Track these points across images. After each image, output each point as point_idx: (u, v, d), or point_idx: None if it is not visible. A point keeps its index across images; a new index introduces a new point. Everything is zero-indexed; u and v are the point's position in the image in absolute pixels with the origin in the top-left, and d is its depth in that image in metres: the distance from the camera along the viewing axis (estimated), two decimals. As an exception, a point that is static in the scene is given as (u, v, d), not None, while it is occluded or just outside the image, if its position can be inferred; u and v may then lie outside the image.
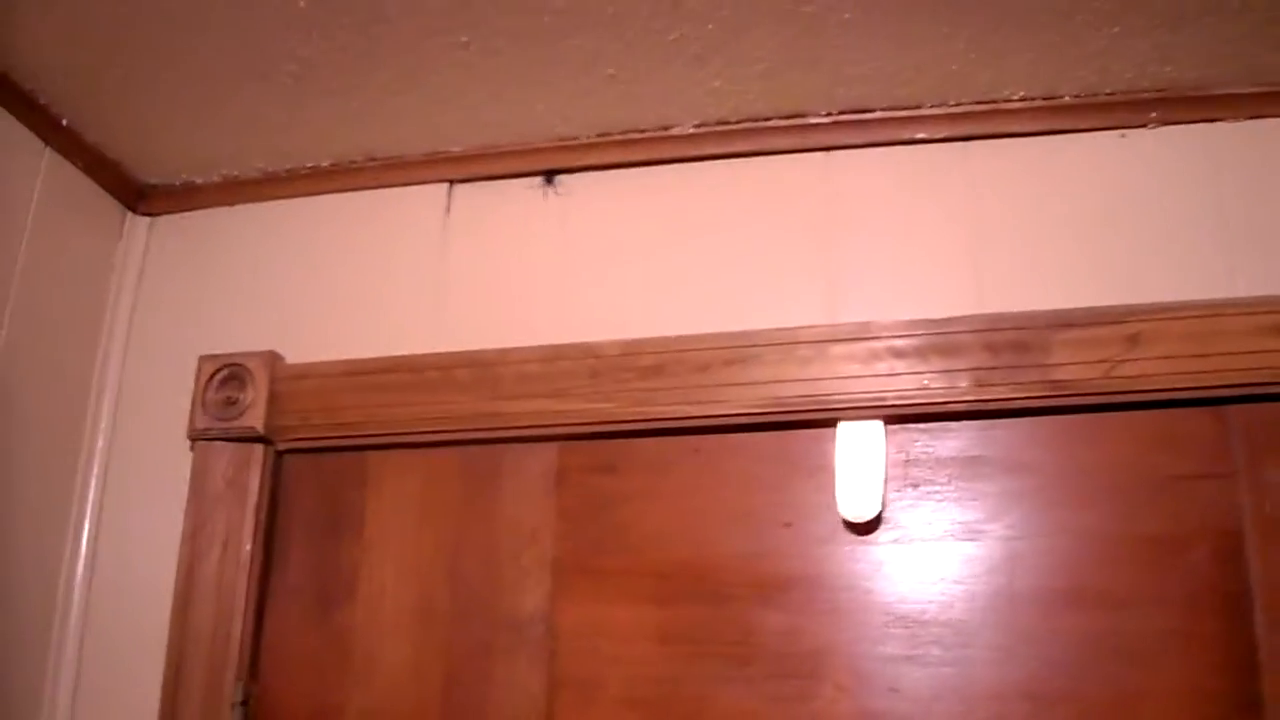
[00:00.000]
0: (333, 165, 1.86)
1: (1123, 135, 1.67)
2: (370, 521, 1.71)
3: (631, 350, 1.64)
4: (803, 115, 1.72)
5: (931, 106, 1.69)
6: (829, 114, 1.71)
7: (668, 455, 1.65)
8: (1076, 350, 1.53)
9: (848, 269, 1.68)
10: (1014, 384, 1.53)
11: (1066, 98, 1.66)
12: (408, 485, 1.72)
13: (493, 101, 1.71)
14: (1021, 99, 1.67)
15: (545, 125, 1.76)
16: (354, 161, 1.85)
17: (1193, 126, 1.65)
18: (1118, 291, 1.58)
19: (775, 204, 1.72)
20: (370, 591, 1.68)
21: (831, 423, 1.59)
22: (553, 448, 1.68)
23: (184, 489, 1.73)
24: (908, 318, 1.58)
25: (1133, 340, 1.51)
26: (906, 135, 1.70)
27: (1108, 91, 1.65)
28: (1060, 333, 1.53)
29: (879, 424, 1.58)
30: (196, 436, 1.75)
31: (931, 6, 1.50)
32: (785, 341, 1.60)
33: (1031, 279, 1.62)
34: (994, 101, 1.68)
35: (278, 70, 1.64)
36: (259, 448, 1.74)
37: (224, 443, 1.74)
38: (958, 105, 1.68)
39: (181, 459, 1.75)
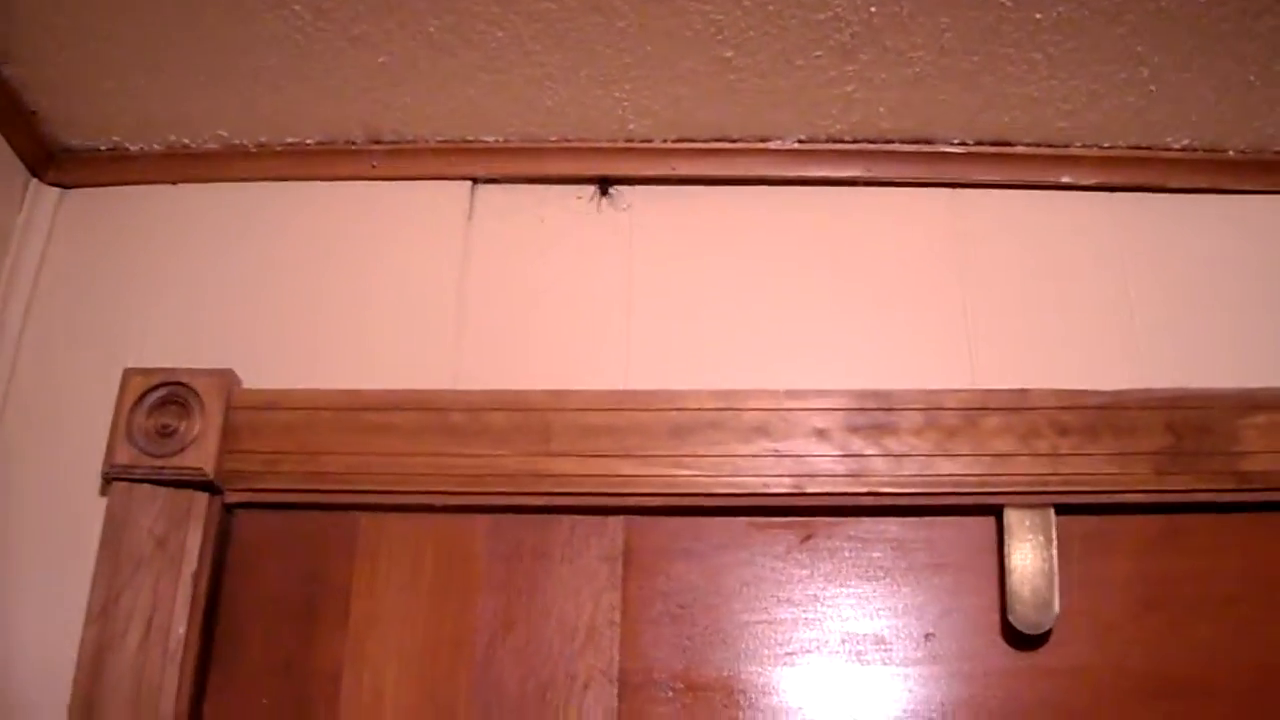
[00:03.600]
0: (322, 144, 1.55)
1: (1288, 199, 1.57)
2: (360, 605, 1.37)
3: (729, 403, 1.38)
4: (931, 141, 1.52)
5: (1082, 146, 1.52)
6: (962, 143, 1.52)
7: (771, 539, 1.39)
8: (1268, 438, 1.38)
9: (988, 326, 1.47)
10: (1198, 473, 1.37)
11: (1231, 152, 1.52)
12: (415, 560, 1.39)
13: (543, 80, 1.44)
14: (1184, 148, 1.52)
15: (608, 119, 1.50)
16: (351, 141, 1.55)
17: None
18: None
19: (894, 242, 1.52)
20: (359, 702, 1.34)
21: (993, 509, 1.37)
22: (619, 522, 1.39)
23: (93, 546, 1.37)
24: (1058, 386, 1.41)
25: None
26: (1050, 178, 1.52)
27: (1276, 150, 1.52)
28: (1249, 415, 1.38)
29: (1050, 512, 1.37)
30: (116, 475, 1.39)
31: (1135, 24, 1.33)
32: (927, 406, 1.38)
33: (1196, 351, 1.46)
34: (1151, 149, 1.52)
35: (267, 9, 1.34)
36: (203, 497, 1.39)
37: (154, 486, 1.39)
38: (1112, 148, 1.52)
39: (91, 505, 1.40)
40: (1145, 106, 1.46)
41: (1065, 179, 1.53)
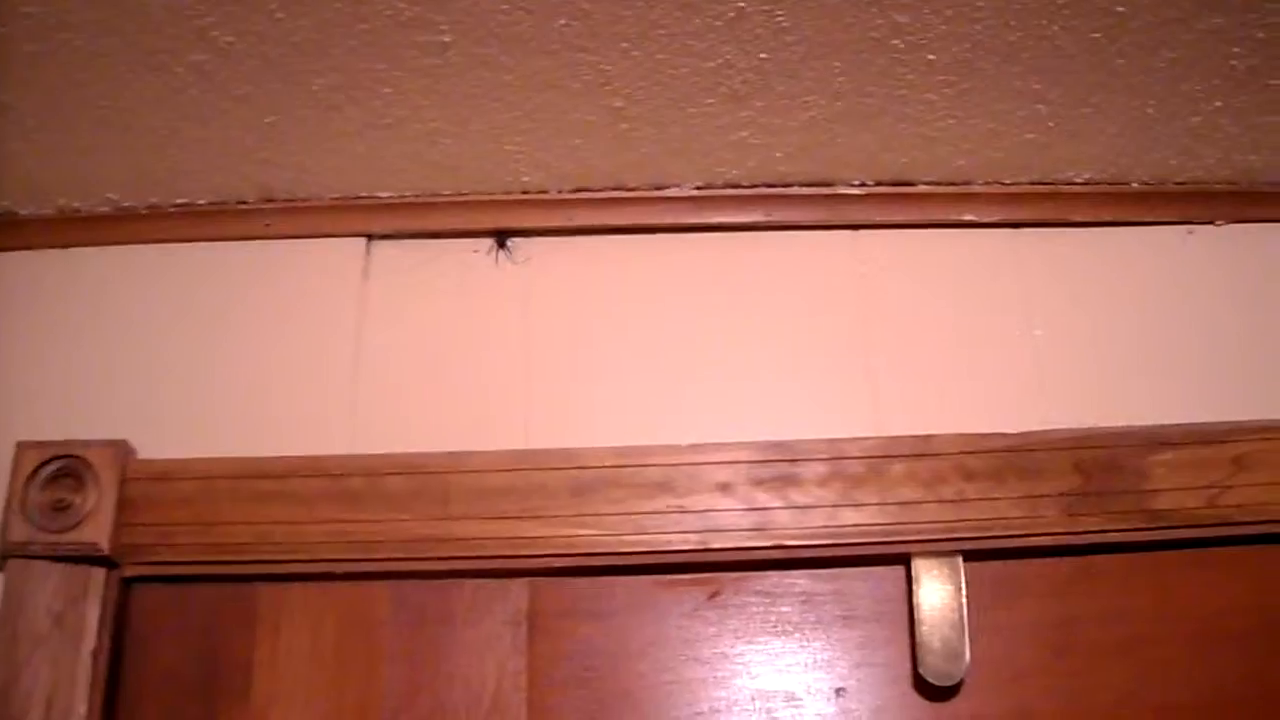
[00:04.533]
0: (214, 204, 1.51)
1: (1190, 231, 1.53)
2: (261, 679, 1.34)
3: (629, 460, 1.35)
4: (830, 184, 1.49)
5: (983, 184, 1.50)
6: (862, 184, 1.49)
7: (677, 598, 1.37)
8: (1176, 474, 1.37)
9: (891, 371, 1.45)
10: (1108, 513, 1.36)
11: (1134, 184, 1.51)
12: (316, 630, 1.35)
13: (433, 135, 1.40)
14: (1086, 182, 1.50)
15: (503, 171, 1.47)
16: (243, 201, 1.51)
17: (1268, 225, 1.54)
18: (1209, 406, 1.44)
19: (795, 287, 1.50)
20: (264, 779, 1.33)
21: (901, 559, 1.35)
22: (523, 584, 1.36)
23: (-12, 625, 1.34)
24: (969, 430, 1.39)
25: (1237, 463, 1.37)
26: (952, 216, 1.50)
27: (1178, 181, 1.51)
28: (1157, 453, 1.37)
29: (958, 560, 1.35)
30: (11, 552, 1.34)
31: (1031, 63, 1.31)
32: (830, 456, 1.35)
33: (1103, 388, 1.45)
34: (1054, 184, 1.51)
35: (148, 71, 1.30)
36: (99, 572, 1.34)
37: (50, 562, 1.34)
38: (1013, 185, 1.50)
39: (-15, 583, 1.37)
40: (1046, 143, 1.44)
41: (968, 216, 1.51)
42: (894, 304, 1.49)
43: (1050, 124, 1.41)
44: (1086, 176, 1.50)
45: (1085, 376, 1.46)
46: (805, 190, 1.50)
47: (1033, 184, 1.51)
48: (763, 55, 1.29)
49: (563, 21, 1.24)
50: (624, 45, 1.27)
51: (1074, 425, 1.39)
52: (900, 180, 1.50)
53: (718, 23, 1.25)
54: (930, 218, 1.51)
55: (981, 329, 1.48)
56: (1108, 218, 1.52)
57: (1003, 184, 1.50)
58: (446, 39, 1.26)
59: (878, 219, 1.51)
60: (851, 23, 1.25)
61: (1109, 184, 1.51)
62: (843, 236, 1.51)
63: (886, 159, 1.46)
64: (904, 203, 1.50)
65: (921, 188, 1.50)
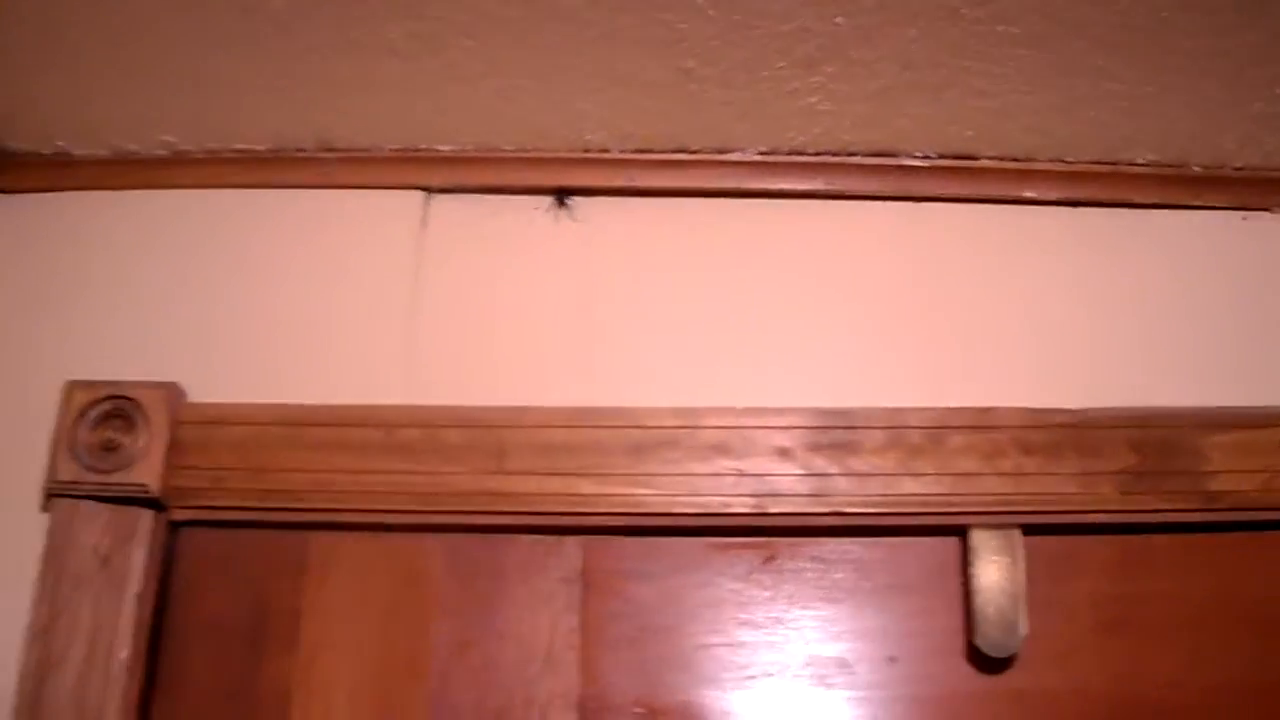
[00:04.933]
0: (273, 151, 1.49)
1: (1244, 217, 1.52)
2: (310, 628, 1.33)
3: (687, 421, 1.35)
4: (894, 155, 1.48)
5: (1046, 161, 1.49)
6: (925, 156, 1.48)
7: (732, 561, 1.36)
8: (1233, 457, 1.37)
9: (950, 343, 1.44)
10: (1164, 493, 1.35)
11: (1195, 168, 1.50)
12: (368, 580, 1.34)
13: (506, 90, 1.39)
14: (1146, 164, 1.49)
15: (567, 129, 1.46)
16: (302, 149, 1.49)
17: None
18: (1265, 390, 1.43)
19: (856, 257, 1.49)
20: (309, 726, 1.33)
21: (957, 530, 1.35)
22: (577, 543, 1.35)
23: (33, 565, 1.31)
24: (1022, 405, 1.39)
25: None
26: (1013, 192, 1.49)
27: (1236, 166, 1.50)
28: (1214, 434, 1.37)
29: (1016, 533, 1.34)
30: (58, 491, 1.33)
31: (1102, 39, 1.30)
32: (890, 425, 1.35)
33: (1160, 368, 1.44)
34: (1115, 164, 1.50)
35: (222, 12, 1.28)
36: (148, 514, 1.34)
37: (97, 503, 1.33)
38: (1075, 163, 1.49)
39: (30, 522, 1.34)
40: (1109, 121, 1.43)
41: (1028, 193, 1.50)
42: (954, 277, 1.48)
43: (1115, 102, 1.40)
44: (1147, 158, 1.49)
45: (1142, 356, 1.45)
46: (868, 160, 1.49)
47: (1093, 163, 1.50)
48: (839, 20, 1.29)
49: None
50: (702, 4, 1.27)
51: (1131, 404, 1.39)
52: (963, 154, 1.49)
53: (796, -24, 1.26)
54: (991, 193, 1.50)
55: (1040, 305, 1.47)
56: (1166, 200, 1.51)
57: (1064, 162, 1.50)
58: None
59: (939, 192, 1.50)
60: (927, -11, 1.26)
61: (1168, 166, 1.50)
62: (904, 208, 1.50)
63: (951, 132, 1.45)
64: (966, 177, 1.49)
65: (984, 162, 1.49)
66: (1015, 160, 1.50)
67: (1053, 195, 1.51)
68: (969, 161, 1.49)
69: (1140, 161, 1.50)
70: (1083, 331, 1.46)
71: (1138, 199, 1.51)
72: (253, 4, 1.28)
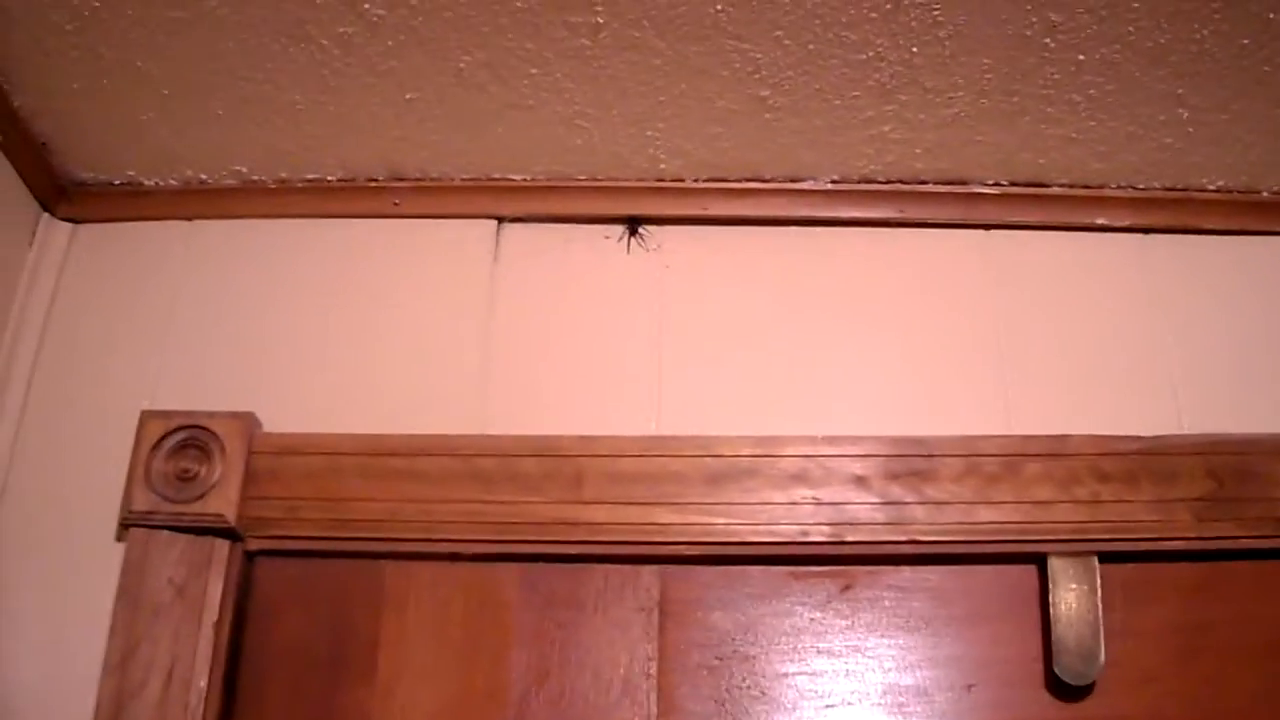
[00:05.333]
0: (343, 180, 1.50)
1: (1314, 244, 1.54)
2: (388, 657, 1.32)
3: (766, 450, 1.34)
4: (965, 183, 1.48)
5: (1117, 187, 1.49)
6: (996, 184, 1.48)
7: (809, 590, 1.35)
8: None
9: (1023, 370, 1.43)
10: (1240, 520, 1.34)
11: (1265, 193, 1.49)
12: (444, 611, 1.33)
13: (574, 119, 1.40)
14: (1218, 190, 1.49)
15: (639, 157, 1.46)
16: (373, 179, 1.50)
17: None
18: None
19: (927, 284, 1.48)
20: (390, 756, 1.32)
21: (1035, 557, 1.34)
22: (654, 572, 1.34)
23: (110, 595, 1.31)
24: (1102, 433, 1.37)
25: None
26: (1085, 219, 1.49)
27: (1307, 192, 1.52)
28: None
29: (1094, 560, 1.33)
30: (134, 521, 1.33)
31: (1177, 66, 1.30)
32: (966, 453, 1.34)
33: (1234, 394, 1.43)
34: (1186, 190, 1.49)
35: (292, 43, 1.30)
36: (224, 544, 1.33)
37: (174, 533, 1.33)
38: (1146, 190, 1.49)
39: (108, 552, 1.34)
40: (1182, 148, 1.43)
41: (1100, 220, 1.49)
42: (1026, 304, 1.47)
43: (1189, 129, 1.40)
44: (1219, 184, 1.49)
45: (1216, 382, 1.44)
46: (939, 188, 1.49)
47: (1165, 189, 1.50)
48: (914, 49, 1.29)
49: (719, 7, 1.25)
50: (778, 34, 1.28)
51: (1206, 431, 1.38)
52: (1034, 181, 1.49)
53: (874, 14, 1.25)
54: (1062, 219, 1.50)
55: (1112, 332, 1.46)
56: (1237, 226, 1.51)
57: (1135, 188, 1.49)
58: (600, 19, 1.26)
59: (1010, 219, 1.50)
60: (1006, 19, 1.26)
61: (1240, 192, 1.50)
62: (975, 235, 1.50)
63: (1023, 159, 1.45)
64: (1037, 204, 1.49)
65: (1055, 189, 1.49)
66: (1086, 187, 1.50)
67: (1124, 222, 1.50)
68: (1040, 189, 1.49)
69: (1211, 188, 1.49)
70: (1156, 358, 1.45)
71: (1208, 225, 1.50)
72: (320, 33, 1.28)
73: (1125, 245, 1.50)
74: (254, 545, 1.35)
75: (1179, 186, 1.50)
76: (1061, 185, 1.49)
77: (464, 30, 1.28)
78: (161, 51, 1.33)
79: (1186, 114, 1.38)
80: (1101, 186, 1.49)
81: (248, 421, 1.37)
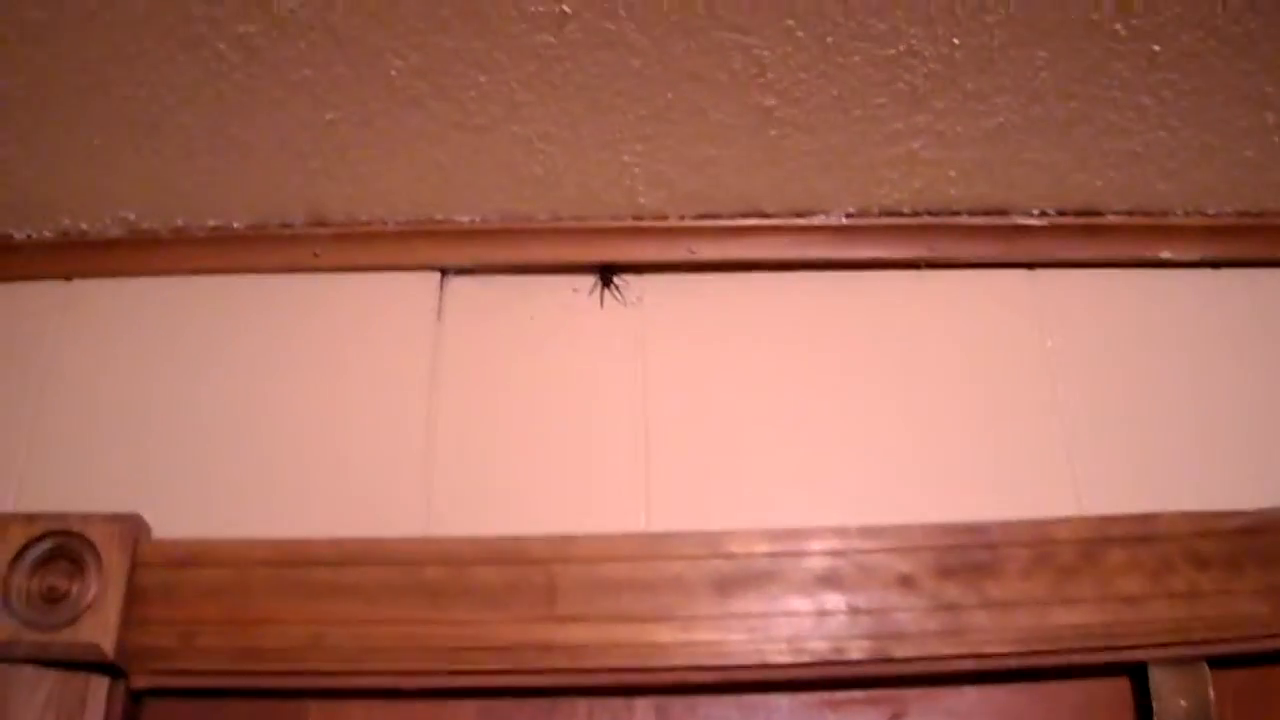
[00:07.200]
0: (252, 227, 1.22)
1: None
2: (312, 826, 1.03)
3: (787, 546, 1.05)
4: (1005, 212, 1.21)
5: (1185, 215, 1.23)
6: (1043, 213, 1.21)
7: (851, 719, 1.10)
8: None
9: (1091, 437, 1.16)
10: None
11: (1358, 221, 1.26)
12: (383, 764, 1.05)
13: (533, 140, 1.12)
14: (1301, 215, 1.24)
15: (614, 189, 1.18)
16: (288, 224, 1.22)
17: None
18: None
19: (971, 336, 1.21)
20: None
21: (1128, 667, 1.06)
22: (649, 705, 1.05)
23: (-42, 749, 1.02)
24: (1185, 509, 1.10)
25: None
26: (1147, 253, 1.23)
27: None
28: None
29: (1204, 667, 1.05)
30: (-9, 654, 1.06)
31: (1270, 59, 1.04)
32: (1033, 541, 1.06)
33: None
34: (1263, 215, 1.23)
35: (191, 46, 1.01)
36: (102, 682, 1.06)
37: (39, 668, 1.06)
38: (1218, 216, 1.23)
39: (-45, 695, 1.04)
40: (1262, 162, 1.16)
41: (1165, 254, 1.22)
42: (1084, 356, 1.21)
43: (1275, 139, 1.13)
44: (1298, 209, 1.24)
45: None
46: (977, 220, 1.21)
47: (1240, 215, 1.23)
48: (955, 40, 1.01)
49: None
50: (789, 23, 0.99)
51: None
52: (1088, 209, 1.21)
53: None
54: (1121, 254, 1.22)
55: (1193, 386, 1.20)
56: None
57: (1205, 215, 1.22)
58: (566, 8, 0.98)
59: (1060, 255, 1.22)
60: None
61: (1327, 218, 1.25)
62: (1018, 276, 1.22)
63: (1075, 182, 1.18)
64: (1091, 236, 1.21)
65: (1111, 218, 1.22)
66: (1148, 215, 1.22)
67: (1194, 255, 1.23)
68: (1094, 218, 1.22)
69: (1290, 214, 1.24)
70: (1248, 415, 1.18)
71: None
72: (215, 34, 1.00)
73: (1196, 281, 1.24)
74: (141, 682, 1.07)
75: (1254, 210, 1.23)
76: (1118, 213, 1.22)
77: (395, 26, 0.99)
78: (22, 68, 1.03)
79: (1274, 118, 1.11)
80: (1165, 214, 1.22)
81: (132, 525, 1.10)
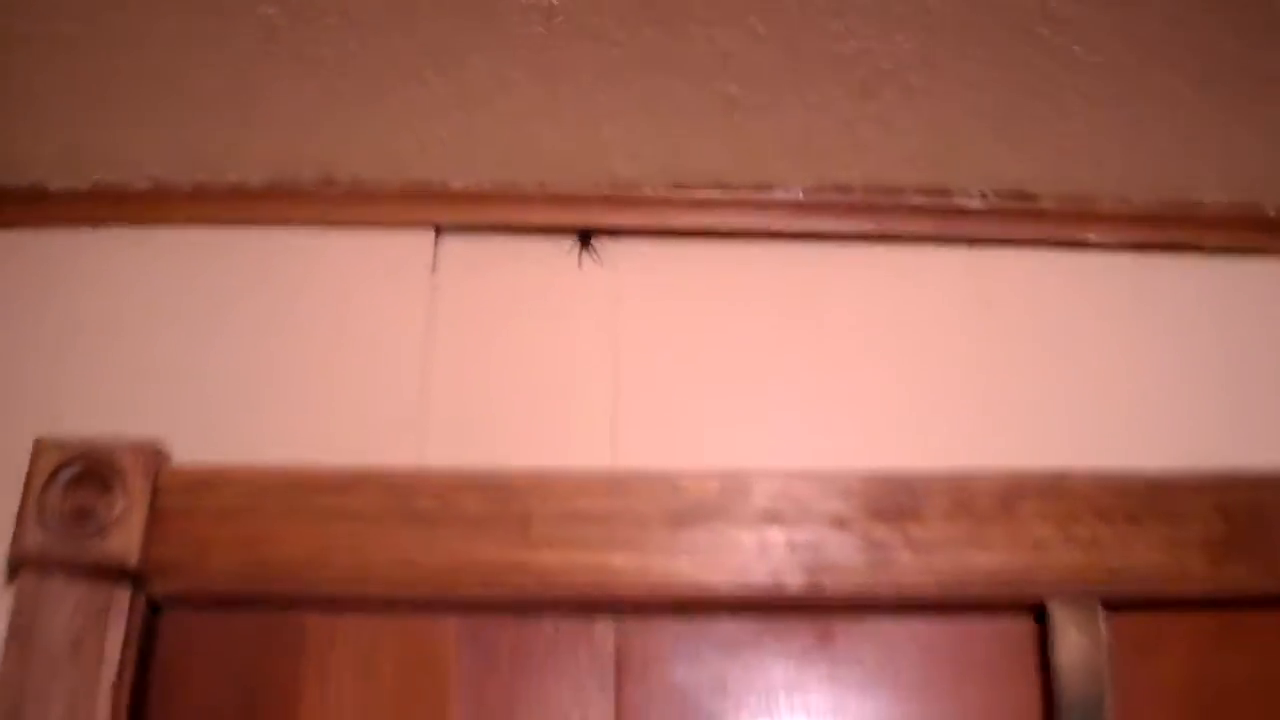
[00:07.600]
0: (267, 185, 1.29)
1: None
2: (310, 717, 1.13)
3: (735, 485, 1.15)
4: (948, 193, 1.30)
5: (1111, 201, 1.31)
6: (983, 195, 1.30)
7: (785, 641, 1.16)
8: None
9: (1019, 399, 1.26)
10: (1257, 564, 1.16)
11: (1271, 210, 1.32)
12: (374, 667, 1.13)
13: (523, 116, 1.20)
14: (1218, 205, 1.31)
15: (593, 162, 1.27)
16: (300, 183, 1.29)
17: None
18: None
19: (908, 304, 1.31)
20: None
21: (1033, 606, 1.17)
22: (610, 623, 1.15)
23: (-6, 645, 1.11)
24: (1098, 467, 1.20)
25: None
26: (1075, 235, 1.32)
27: (1318, 208, 1.35)
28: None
29: (1098, 607, 1.15)
30: (23, 562, 1.12)
31: (1179, 62, 1.13)
32: (957, 490, 1.16)
33: (1246, 428, 1.26)
34: (1184, 204, 1.32)
35: (217, 26, 1.09)
36: (124, 591, 1.12)
37: (68, 577, 1.11)
38: (1141, 204, 1.32)
39: (-6, 597, 1.14)
40: (1180, 155, 1.25)
41: (1091, 237, 1.32)
42: (1016, 327, 1.30)
43: (1187, 136, 1.23)
44: (1217, 198, 1.31)
45: (1225, 413, 1.27)
46: (921, 200, 1.31)
47: (1162, 204, 1.32)
48: (901, 40, 1.10)
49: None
50: (752, 20, 1.08)
51: (1217, 466, 1.21)
52: (1021, 194, 1.30)
53: (864, -1, 1.08)
54: (1052, 235, 1.32)
55: (1110, 359, 1.29)
56: (1239, 244, 1.33)
57: (1130, 203, 1.32)
58: (555, 1, 1.06)
59: (997, 235, 1.32)
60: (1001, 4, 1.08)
61: (1241, 206, 1.33)
62: (960, 252, 1.32)
63: (1012, 167, 1.27)
64: (1025, 218, 1.31)
65: (1044, 203, 1.31)
66: (1076, 201, 1.31)
67: (1116, 239, 1.32)
68: (1028, 203, 1.31)
69: (1209, 202, 1.32)
70: (1158, 386, 1.28)
71: (1209, 243, 1.33)
72: (236, 13, 1.08)
73: (1119, 263, 1.33)
74: (159, 591, 1.14)
75: (1176, 200, 1.32)
76: (1051, 198, 1.31)
77: (402, 10, 1.07)
78: (65, 40, 1.11)
79: (1184, 116, 1.20)
80: (1092, 200, 1.31)
81: (154, 452, 1.16)
